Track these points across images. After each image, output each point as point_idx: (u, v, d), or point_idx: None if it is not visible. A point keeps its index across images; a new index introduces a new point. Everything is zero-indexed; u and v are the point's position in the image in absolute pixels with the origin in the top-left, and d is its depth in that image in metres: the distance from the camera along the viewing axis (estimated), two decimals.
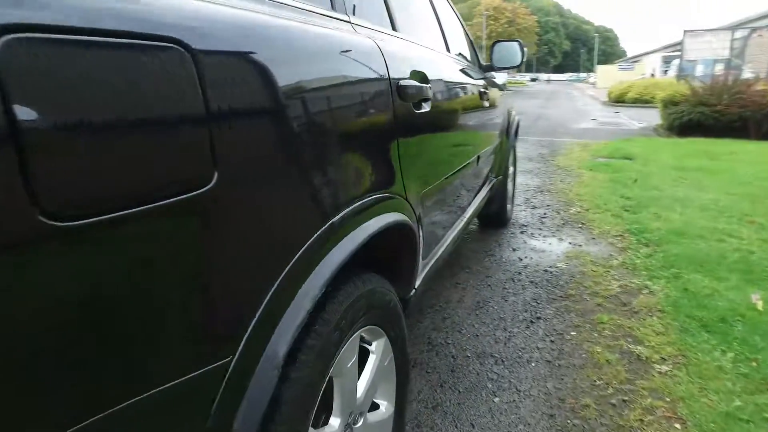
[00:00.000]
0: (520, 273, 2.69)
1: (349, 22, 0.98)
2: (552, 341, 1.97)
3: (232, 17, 0.59)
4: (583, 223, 3.51)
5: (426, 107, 1.23)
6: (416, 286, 1.38)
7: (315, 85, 0.73)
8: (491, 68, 2.68)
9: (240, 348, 0.57)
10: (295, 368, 0.76)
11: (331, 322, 0.84)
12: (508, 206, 3.47)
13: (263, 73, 0.60)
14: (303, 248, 0.68)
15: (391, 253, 1.25)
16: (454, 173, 1.55)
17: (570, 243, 3.12)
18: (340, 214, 0.79)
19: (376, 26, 1.13)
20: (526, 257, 2.92)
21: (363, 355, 1.09)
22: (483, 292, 2.46)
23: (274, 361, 0.62)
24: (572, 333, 2.03)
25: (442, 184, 1.44)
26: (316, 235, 0.71)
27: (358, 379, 1.05)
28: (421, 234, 1.27)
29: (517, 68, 2.63)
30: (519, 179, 5.09)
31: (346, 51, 0.86)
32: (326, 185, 0.75)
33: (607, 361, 1.80)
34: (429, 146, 1.28)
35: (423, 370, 1.80)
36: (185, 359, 0.52)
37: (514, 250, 3.06)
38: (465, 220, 1.98)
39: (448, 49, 1.89)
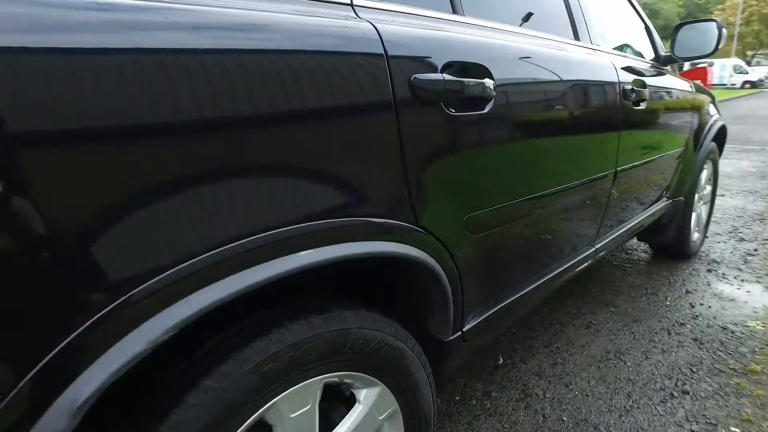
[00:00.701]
0: (683, 324, 2.07)
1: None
2: None
3: None
4: None
5: (478, 110, 0.97)
6: (464, 329, 1.13)
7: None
8: (671, 60, 2.09)
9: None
10: (178, 410, 0.65)
11: (247, 363, 0.70)
12: (695, 236, 2.72)
13: None
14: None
15: (404, 290, 1.04)
16: (535, 198, 1.22)
17: None
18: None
19: None
20: (702, 304, 2.24)
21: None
22: (620, 340, 1.96)
23: (71, 406, 0.51)
24: (734, 430, 1.45)
25: (507, 211, 1.14)
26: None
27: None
28: (457, 271, 1.02)
29: (708, 56, 1.99)
30: (735, 200, 4.00)
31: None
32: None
33: None
34: (476, 162, 1.01)
35: (498, 421, 1.50)
36: None
37: (688, 292, 2.39)
38: (575, 260, 1.57)
39: (576, 36, 1.50)
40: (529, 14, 1.28)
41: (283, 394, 0.77)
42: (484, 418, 1.52)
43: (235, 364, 0.71)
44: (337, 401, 0.95)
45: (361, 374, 0.88)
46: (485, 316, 1.20)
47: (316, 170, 0.72)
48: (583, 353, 1.87)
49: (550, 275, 1.44)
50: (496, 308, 1.23)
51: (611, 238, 1.80)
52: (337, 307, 0.84)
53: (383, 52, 0.79)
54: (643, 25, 2.16)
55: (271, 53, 0.66)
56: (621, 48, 1.96)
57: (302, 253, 0.70)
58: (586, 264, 1.65)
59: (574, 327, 2.07)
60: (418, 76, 0.83)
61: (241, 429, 0.73)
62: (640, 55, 2.07)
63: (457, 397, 1.63)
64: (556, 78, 1.22)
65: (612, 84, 1.49)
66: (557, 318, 2.14)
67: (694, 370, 1.75)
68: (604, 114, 1.46)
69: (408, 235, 0.87)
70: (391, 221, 0.83)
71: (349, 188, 0.76)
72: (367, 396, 0.92)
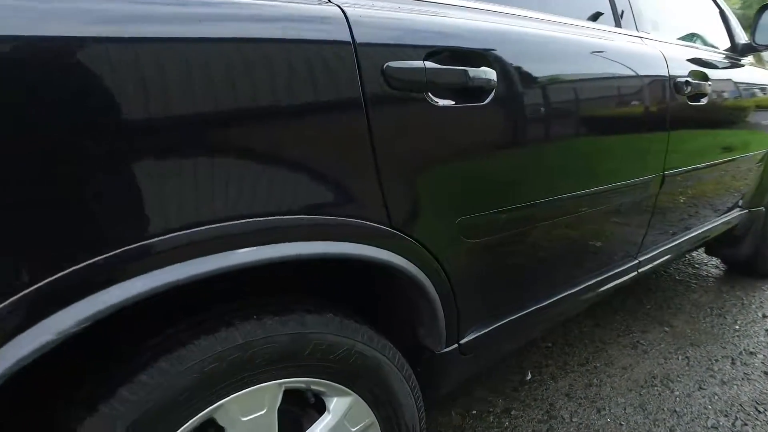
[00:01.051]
0: (753, 354, 1.81)
1: None
2: None
3: None
4: None
5: (475, 102, 0.88)
6: (461, 342, 1.04)
7: None
8: (751, 48, 1.83)
9: None
10: (109, 402, 0.64)
11: (186, 361, 0.67)
12: None
13: None
14: None
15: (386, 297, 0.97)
16: (548, 202, 1.09)
17: None
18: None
19: None
20: None
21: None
22: (671, 365, 1.75)
23: None
24: None
25: (513, 217, 1.03)
26: None
27: None
28: (447, 279, 0.93)
29: None
30: None
31: None
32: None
33: None
34: (471, 160, 0.92)
35: None
36: None
37: (765, 317, 2.09)
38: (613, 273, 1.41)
39: (618, 24, 1.34)
40: None
41: (233, 396, 0.73)
42: None
43: (175, 361, 0.68)
44: (310, 408, 0.91)
45: (328, 382, 0.83)
46: (489, 329, 1.10)
47: (265, 164, 0.67)
48: (624, 376, 1.69)
49: (577, 289, 1.30)
50: (502, 322, 1.12)
51: (661, 250, 1.61)
52: (299, 309, 0.79)
53: (350, 39, 0.73)
54: (718, 11, 1.91)
55: (224, 42, 0.63)
56: (688, 38, 1.74)
57: (241, 251, 0.66)
58: (626, 278, 1.48)
59: (618, 346, 1.88)
60: (391, 64, 0.76)
61: (183, 427, 0.70)
62: (710, 45, 1.83)
63: (474, 411, 1.52)
64: (579, 68, 1.09)
65: (659, 77, 1.32)
66: (601, 334, 1.96)
67: (761, 409, 1.52)
68: (646, 110, 1.29)
69: (378, 236, 0.80)
70: (355, 221, 0.76)
71: (304, 184, 0.71)
72: (338, 405, 0.87)
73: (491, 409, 1.53)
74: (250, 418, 0.76)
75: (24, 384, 0.59)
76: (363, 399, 0.89)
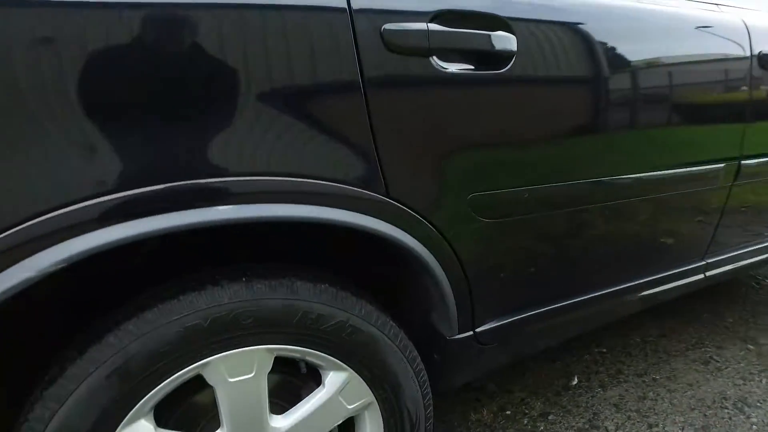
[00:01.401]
0: None
1: None
2: None
3: None
4: None
5: (491, 69, 0.82)
6: (477, 330, 0.98)
7: None
8: None
9: None
10: (96, 347, 0.68)
11: (170, 315, 0.70)
12: None
13: None
14: None
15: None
16: (585, 184, 0.99)
17: None
18: None
19: None
20: None
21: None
22: (750, 387, 1.53)
23: None
24: None
25: (538, 197, 0.95)
26: None
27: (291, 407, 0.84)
28: (457, 258, 0.88)
29: None
30: None
31: None
32: None
33: None
34: (486, 131, 0.85)
35: None
36: None
37: None
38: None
39: None
40: None
41: (219, 355, 0.74)
42: None
43: (159, 314, 0.70)
44: (311, 381, 0.90)
45: (319, 353, 0.82)
46: (511, 321, 1.02)
47: (253, 124, 0.67)
48: (687, 393, 1.50)
49: (624, 287, 1.18)
50: (527, 314, 1.04)
51: (737, 253, 1.41)
52: (291, 276, 0.79)
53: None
54: None
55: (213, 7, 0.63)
56: None
57: (222, 207, 0.66)
58: (689, 281, 1.31)
59: (685, 360, 1.68)
60: (388, 26, 0.72)
61: (168, 381, 0.72)
62: None
63: (508, 412, 1.44)
64: (624, 33, 0.97)
65: (739, 47, 1.15)
66: (666, 345, 1.76)
67: None
68: (718, 85, 1.12)
69: (373, 205, 0.77)
70: (348, 187, 0.74)
71: (294, 146, 0.70)
72: (333, 380, 0.85)
73: (527, 411, 1.44)
74: (238, 380, 0.77)
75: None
76: (360, 376, 0.86)
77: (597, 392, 1.51)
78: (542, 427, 1.37)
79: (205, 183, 0.65)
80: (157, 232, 0.63)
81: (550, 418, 1.41)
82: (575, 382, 1.56)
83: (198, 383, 0.80)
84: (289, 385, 0.91)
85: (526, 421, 1.40)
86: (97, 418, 0.69)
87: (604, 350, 1.73)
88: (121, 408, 0.70)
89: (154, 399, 0.73)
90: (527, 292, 1.04)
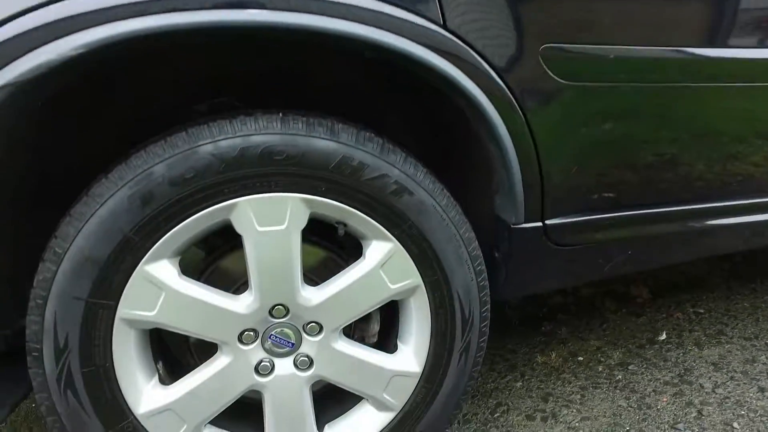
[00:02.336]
0: None
1: None
2: None
3: None
4: None
5: None
6: (546, 222, 0.84)
7: None
8: None
9: None
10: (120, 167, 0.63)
11: (193, 140, 0.64)
12: None
13: None
14: None
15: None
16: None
17: None
18: None
19: None
20: None
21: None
22: None
23: None
24: None
25: (646, 65, 0.78)
26: None
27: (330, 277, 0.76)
28: (528, 125, 0.75)
29: None
30: None
31: None
32: None
33: None
34: None
35: (624, 398, 1.10)
36: None
37: None
38: None
39: None
40: None
41: (248, 197, 0.67)
42: (606, 391, 1.14)
43: (187, 138, 0.64)
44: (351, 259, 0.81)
45: (362, 215, 0.72)
46: (587, 219, 0.87)
47: None
48: None
49: (728, 204, 0.97)
50: (610, 215, 0.88)
51: None
52: (332, 118, 0.70)
53: None
54: None
55: None
56: None
57: (254, 11, 0.58)
58: None
59: None
60: None
61: (193, 218, 0.67)
62: None
63: (580, 358, 1.26)
64: None
65: None
66: None
67: None
68: None
69: (426, 34, 0.66)
70: (396, 10, 0.63)
71: None
72: (375, 250, 0.75)
73: (603, 360, 1.26)
74: (268, 230, 0.70)
75: None
76: (406, 250, 0.76)
77: (690, 350, 1.29)
78: (620, 376, 1.19)
79: None
80: (189, 25, 0.58)
81: (630, 368, 1.22)
82: (663, 337, 1.35)
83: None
84: (326, 261, 0.83)
85: (601, 369, 1.22)
86: (118, 243, 0.64)
87: (701, 311, 1.48)
88: (143, 238, 0.65)
89: (179, 240, 0.68)
90: (608, 188, 0.88)
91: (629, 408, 1.09)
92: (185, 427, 0.75)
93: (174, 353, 0.84)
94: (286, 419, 0.80)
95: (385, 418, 0.84)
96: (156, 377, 0.76)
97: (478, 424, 1.05)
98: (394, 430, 0.84)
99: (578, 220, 0.87)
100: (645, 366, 1.22)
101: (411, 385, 0.83)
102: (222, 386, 0.75)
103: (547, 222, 0.84)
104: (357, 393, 0.82)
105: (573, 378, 1.19)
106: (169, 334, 0.82)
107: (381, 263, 0.75)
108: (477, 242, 0.80)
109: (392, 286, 0.77)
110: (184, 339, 0.82)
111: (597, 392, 1.14)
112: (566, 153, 0.81)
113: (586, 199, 0.87)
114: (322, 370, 0.79)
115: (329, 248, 0.83)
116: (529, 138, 0.76)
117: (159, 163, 0.64)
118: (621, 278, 1.63)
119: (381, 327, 0.87)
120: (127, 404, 0.72)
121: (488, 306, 0.84)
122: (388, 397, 0.82)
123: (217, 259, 0.79)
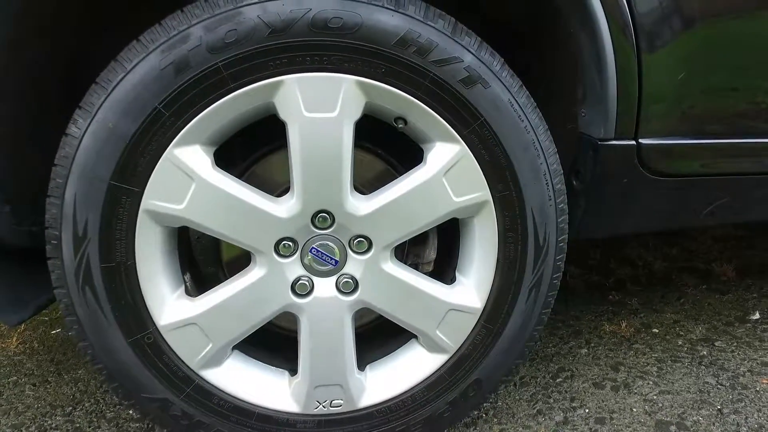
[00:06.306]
0: None
1: None
2: None
3: None
4: None
5: None
6: (640, 141, 0.70)
7: None
8: None
9: None
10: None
11: None
12: None
13: None
14: None
15: None
16: None
17: None
18: None
19: None
20: None
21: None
22: None
23: None
24: None
25: None
26: None
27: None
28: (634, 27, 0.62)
29: None
30: None
31: None
32: None
33: None
34: None
35: (713, 375, 0.95)
36: None
37: None
38: None
39: None
40: None
41: (296, 75, 0.58)
42: (689, 366, 0.98)
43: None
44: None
45: (425, 107, 0.61)
46: (688, 143, 0.73)
47: None
48: None
49: None
50: (711, 142, 0.74)
51: None
52: None
53: None
54: None
55: None
56: None
57: None
58: None
59: None
60: None
61: (232, 96, 0.57)
62: None
63: (655, 330, 1.11)
64: None
65: None
66: None
67: None
68: None
69: None
70: None
71: None
72: (438, 154, 0.64)
73: (683, 334, 1.10)
74: (316, 116, 0.59)
75: None
76: (474, 155, 0.64)
77: None
78: (704, 352, 1.03)
79: None
80: None
81: (717, 344, 1.05)
82: (756, 317, 1.17)
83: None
84: (381, 174, 0.72)
85: (680, 342, 1.06)
86: (147, 116, 0.56)
87: None
88: (174, 114, 0.57)
89: (214, 122, 0.59)
90: (720, 105, 0.73)
91: (719, 386, 0.93)
92: (210, 346, 0.66)
93: (203, 271, 0.76)
94: (324, 351, 0.70)
95: (437, 361, 0.73)
96: (182, 288, 0.68)
97: (537, 388, 0.92)
98: (445, 375, 0.73)
99: (680, 143, 0.72)
100: (736, 344, 1.05)
101: (469, 324, 0.71)
102: (253, 302, 0.66)
103: (642, 141, 0.70)
104: (406, 327, 0.71)
105: (647, 349, 1.04)
106: (199, 250, 0.75)
107: (445, 170, 0.64)
108: (557, 155, 0.67)
109: (456, 199, 0.65)
110: (214, 256, 0.74)
111: (677, 366, 0.98)
112: (675, 53, 0.67)
113: (690, 118, 0.72)
114: (368, 295, 0.68)
115: (385, 158, 0.72)
116: (631, 29, 0.63)
117: (196, 24, 0.55)
118: (702, 255, 1.45)
119: (438, 256, 0.76)
120: (149, 312, 0.63)
121: (566, 236, 0.71)
122: (441, 336, 0.71)
123: (254, 163, 0.70)
